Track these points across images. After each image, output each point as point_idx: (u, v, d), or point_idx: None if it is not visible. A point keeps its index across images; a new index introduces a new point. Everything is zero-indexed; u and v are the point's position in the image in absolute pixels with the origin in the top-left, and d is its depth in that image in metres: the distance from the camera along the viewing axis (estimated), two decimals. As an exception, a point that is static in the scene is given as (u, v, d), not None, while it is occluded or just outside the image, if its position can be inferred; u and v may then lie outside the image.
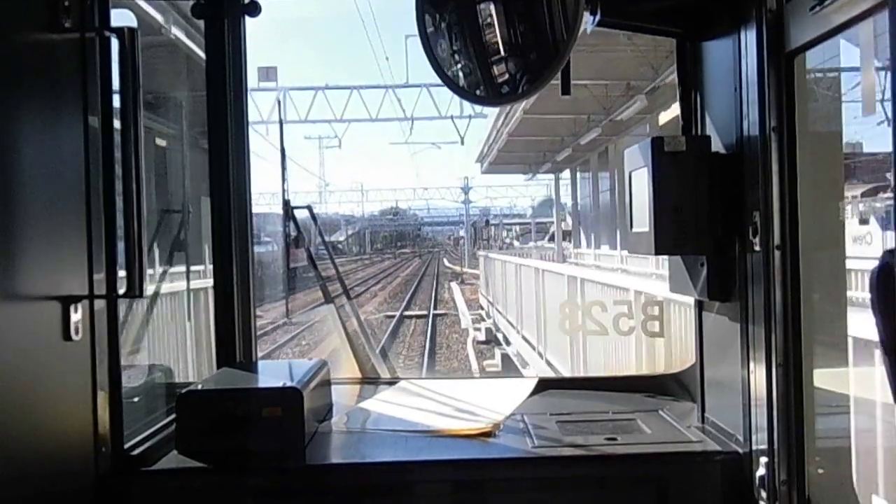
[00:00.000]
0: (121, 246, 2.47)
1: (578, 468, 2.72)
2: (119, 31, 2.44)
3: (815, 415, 2.41)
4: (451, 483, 2.72)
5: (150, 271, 3.07)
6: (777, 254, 2.36)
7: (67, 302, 2.28)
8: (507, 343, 20.95)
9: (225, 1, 3.31)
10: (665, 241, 2.72)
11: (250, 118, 3.52)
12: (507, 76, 2.69)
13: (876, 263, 1.59)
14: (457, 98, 2.76)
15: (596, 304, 4.68)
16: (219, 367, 3.32)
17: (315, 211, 4.82)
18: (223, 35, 3.32)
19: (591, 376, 5.19)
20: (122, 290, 2.47)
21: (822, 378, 2.51)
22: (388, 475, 2.70)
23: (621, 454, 2.72)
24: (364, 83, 43.43)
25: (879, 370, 3.15)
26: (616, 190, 27.44)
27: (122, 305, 2.71)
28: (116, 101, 2.47)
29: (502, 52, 2.65)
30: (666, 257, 3.14)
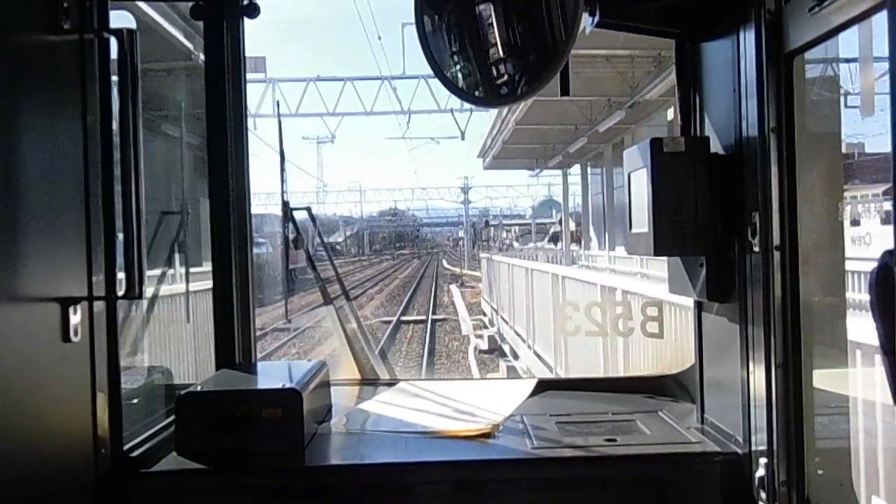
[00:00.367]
0: (120, 247, 2.47)
1: (578, 469, 2.72)
2: (118, 33, 2.45)
3: (815, 415, 2.41)
4: (451, 484, 2.72)
5: (149, 272, 3.07)
6: (776, 254, 2.36)
7: (67, 303, 2.28)
8: (515, 357, 19.57)
9: (224, 2, 3.31)
10: (664, 241, 2.72)
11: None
12: (505, 77, 2.69)
13: (875, 264, 1.59)
14: (455, 91, 2.75)
15: (651, 320, 3.71)
16: (218, 368, 3.32)
17: (313, 212, 4.82)
18: (222, 37, 3.32)
19: (591, 377, 5.18)
20: (121, 292, 2.47)
21: (822, 379, 2.51)
22: (387, 476, 2.70)
23: (621, 455, 2.72)
24: (358, 75, 41.02)
25: (879, 370, 3.15)
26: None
27: (122, 307, 2.71)
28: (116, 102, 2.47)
29: (501, 53, 2.66)
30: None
